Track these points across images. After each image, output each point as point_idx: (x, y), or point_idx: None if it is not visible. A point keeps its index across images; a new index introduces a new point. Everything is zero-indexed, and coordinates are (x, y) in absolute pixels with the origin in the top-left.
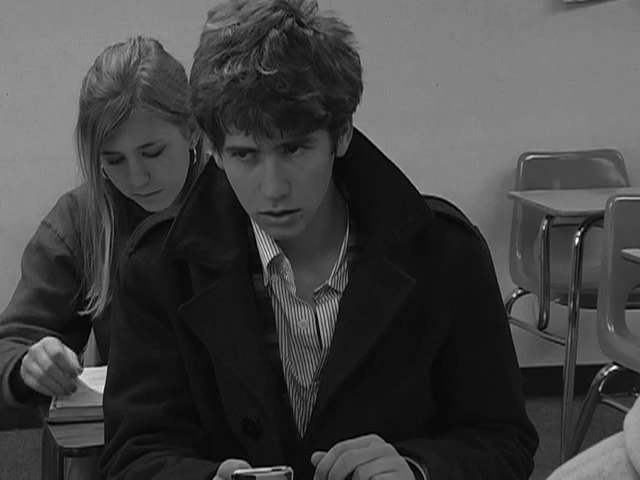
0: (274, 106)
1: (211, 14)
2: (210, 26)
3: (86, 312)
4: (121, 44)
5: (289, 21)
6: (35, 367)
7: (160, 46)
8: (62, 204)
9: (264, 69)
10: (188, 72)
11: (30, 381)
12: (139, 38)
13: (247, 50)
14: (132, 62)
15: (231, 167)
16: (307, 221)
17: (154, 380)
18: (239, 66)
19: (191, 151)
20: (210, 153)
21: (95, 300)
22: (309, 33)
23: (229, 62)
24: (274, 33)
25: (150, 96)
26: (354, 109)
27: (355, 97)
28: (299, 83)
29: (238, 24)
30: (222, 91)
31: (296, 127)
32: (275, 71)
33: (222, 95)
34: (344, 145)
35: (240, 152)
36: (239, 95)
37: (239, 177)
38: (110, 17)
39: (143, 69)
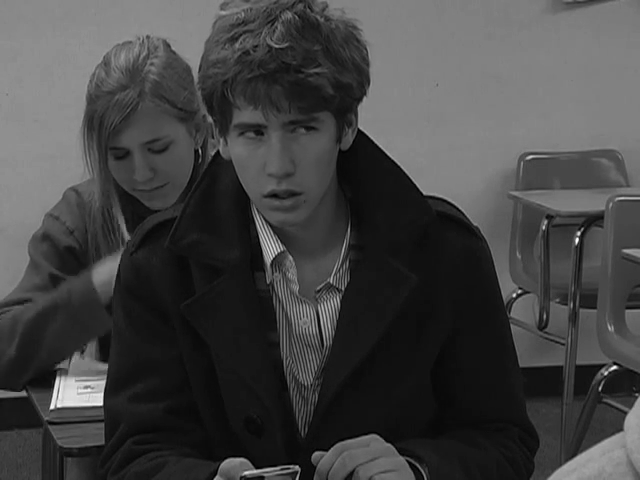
0: (284, 77)
1: (223, 5)
2: (222, 13)
3: None
4: (129, 42)
5: (301, 5)
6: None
7: (168, 45)
8: (70, 198)
9: (275, 43)
10: (194, 72)
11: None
12: (147, 37)
13: (259, 28)
14: (141, 57)
15: (237, 147)
16: (309, 209)
17: (154, 379)
18: (251, 40)
19: (196, 151)
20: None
21: None
22: (321, 19)
23: (241, 39)
24: (287, 14)
25: (158, 91)
26: (360, 99)
27: (362, 87)
28: (309, 59)
29: (251, 9)
30: (233, 63)
31: (304, 101)
32: (286, 44)
33: (233, 67)
34: (349, 139)
35: (247, 129)
36: (250, 66)
37: (245, 157)
38: (110, 17)
39: (152, 64)
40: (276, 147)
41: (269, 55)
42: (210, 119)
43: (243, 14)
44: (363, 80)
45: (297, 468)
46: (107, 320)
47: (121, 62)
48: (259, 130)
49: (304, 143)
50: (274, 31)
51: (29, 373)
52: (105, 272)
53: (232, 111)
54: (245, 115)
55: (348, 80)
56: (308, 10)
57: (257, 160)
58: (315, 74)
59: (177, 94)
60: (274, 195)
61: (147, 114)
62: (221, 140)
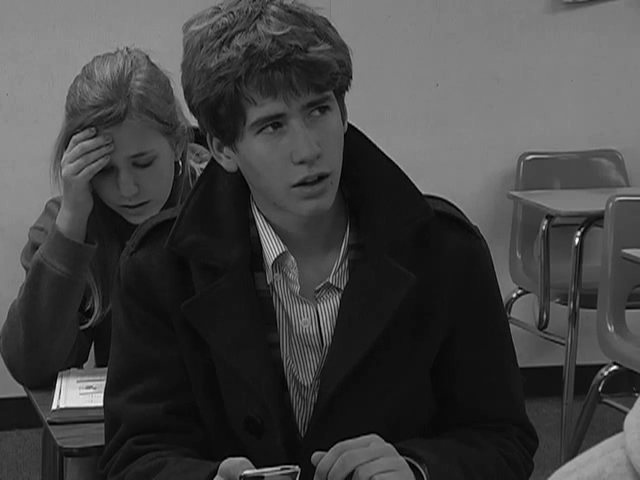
0: (297, 59)
1: (189, 22)
2: (195, 28)
3: (85, 326)
4: (110, 54)
5: (277, 0)
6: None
7: (148, 57)
8: (52, 210)
9: (276, 31)
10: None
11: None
12: (127, 49)
13: (251, 24)
14: (126, 72)
15: (256, 146)
16: (334, 192)
17: (154, 380)
18: (250, 35)
19: (176, 163)
20: (193, 164)
21: (92, 311)
22: (299, 7)
23: (236, 37)
24: (271, 7)
25: (145, 106)
26: (351, 77)
27: (351, 64)
28: (310, 40)
29: (231, 12)
30: (242, 59)
31: (320, 78)
32: (287, 30)
33: (243, 63)
34: (346, 124)
35: (265, 123)
36: (261, 57)
37: (267, 153)
38: (110, 17)
39: (137, 79)
40: (301, 132)
41: (275, 43)
42: (189, 132)
43: (225, 19)
44: (350, 58)
45: (297, 468)
46: (86, 249)
47: (106, 76)
48: (277, 122)
49: (322, 124)
50: (268, 22)
51: (47, 354)
52: (62, 215)
53: (246, 110)
54: (263, 109)
55: (342, 57)
56: (285, 1)
57: (281, 152)
58: (321, 51)
59: (162, 108)
60: (302, 183)
61: (133, 129)
62: (223, 153)
